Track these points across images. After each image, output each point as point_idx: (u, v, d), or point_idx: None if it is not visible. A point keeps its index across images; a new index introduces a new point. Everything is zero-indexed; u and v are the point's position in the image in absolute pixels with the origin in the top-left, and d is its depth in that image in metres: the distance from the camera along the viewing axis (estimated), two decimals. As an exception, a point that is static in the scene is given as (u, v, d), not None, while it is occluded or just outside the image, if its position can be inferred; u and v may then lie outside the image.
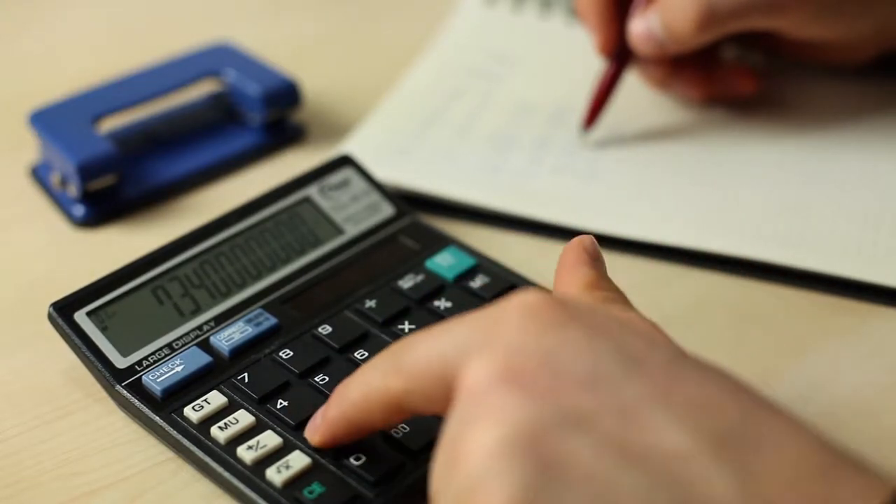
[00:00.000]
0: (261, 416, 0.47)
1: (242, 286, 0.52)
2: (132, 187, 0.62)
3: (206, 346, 0.50)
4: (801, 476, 0.33)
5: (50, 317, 0.50)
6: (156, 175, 0.63)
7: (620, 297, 0.43)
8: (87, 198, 0.60)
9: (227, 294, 0.52)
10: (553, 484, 0.33)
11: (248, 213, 0.55)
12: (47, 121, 0.62)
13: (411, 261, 0.55)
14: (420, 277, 0.54)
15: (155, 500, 0.46)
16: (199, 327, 0.51)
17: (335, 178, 0.58)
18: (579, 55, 0.69)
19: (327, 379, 0.48)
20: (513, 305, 0.38)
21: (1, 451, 0.48)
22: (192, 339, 0.50)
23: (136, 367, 0.49)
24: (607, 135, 0.65)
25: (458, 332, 0.38)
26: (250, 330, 0.50)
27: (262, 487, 0.44)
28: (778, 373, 0.51)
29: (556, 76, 0.71)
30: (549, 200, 0.60)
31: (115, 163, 0.60)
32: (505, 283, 0.53)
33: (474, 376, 0.37)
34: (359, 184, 0.58)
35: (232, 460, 0.45)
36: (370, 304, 0.52)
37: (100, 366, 0.48)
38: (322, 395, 0.48)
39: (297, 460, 0.45)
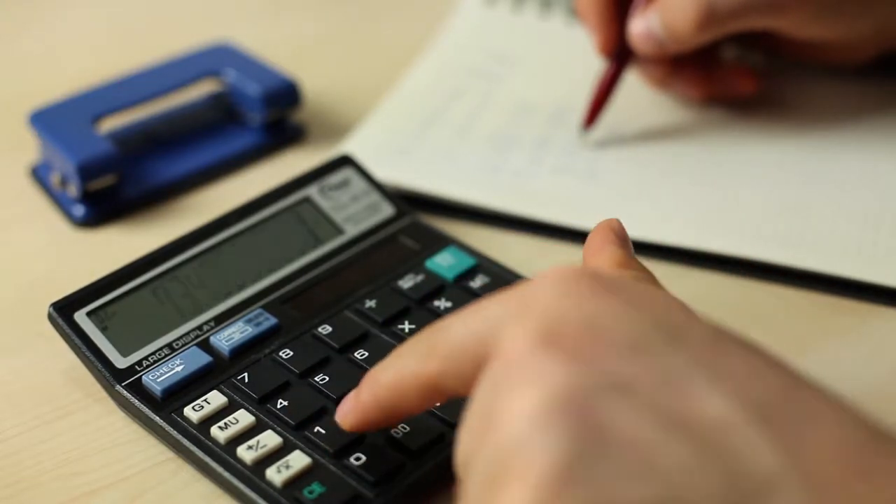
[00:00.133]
0: (261, 415, 0.47)
1: (242, 286, 0.52)
2: (132, 187, 0.62)
3: (206, 346, 0.50)
4: (846, 448, 0.33)
5: (50, 317, 0.50)
6: (156, 175, 0.63)
7: (650, 277, 0.43)
8: (87, 198, 0.60)
9: (227, 294, 0.52)
10: (595, 450, 0.33)
11: (248, 213, 0.55)
12: (47, 121, 0.62)
13: (411, 261, 0.55)
14: (420, 277, 0.54)
15: (155, 500, 0.46)
16: (199, 327, 0.51)
17: (335, 178, 0.58)
18: (579, 55, 0.69)
19: (327, 379, 0.48)
20: (548, 277, 0.37)
21: (1, 451, 0.48)
22: (192, 339, 0.50)
23: (136, 367, 0.49)
24: (607, 135, 0.65)
25: (491, 308, 0.38)
26: (250, 330, 0.50)
27: (262, 487, 0.44)
28: (778, 373, 0.51)
29: (556, 76, 0.71)
30: (549, 200, 0.60)
31: (115, 163, 0.60)
32: (505, 283, 0.53)
33: (511, 342, 0.36)
34: (359, 184, 0.58)
35: (232, 460, 0.45)
36: (370, 304, 0.52)
37: (100, 366, 0.48)
38: (322, 395, 0.48)
39: (297, 460, 0.45)
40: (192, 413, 0.47)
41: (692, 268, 0.57)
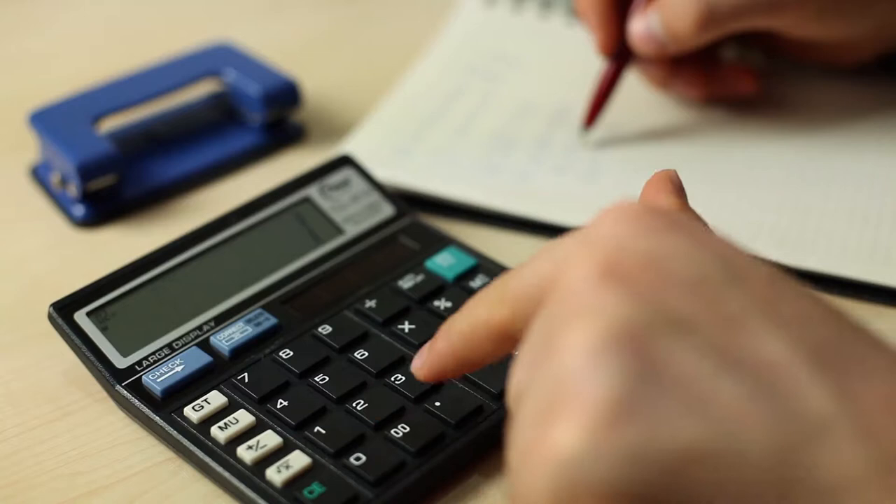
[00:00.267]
0: (261, 415, 0.47)
1: (242, 286, 0.52)
2: (132, 187, 0.62)
3: (206, 346, 0.50)
4: None
5: (50, 317, 0.50)
6: (156, 175, 0.63)
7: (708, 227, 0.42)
8: (87, 198, 0.60)
9: (227, 294, 0.52)
10: (650, 384, 0.33)
11: (248, 213, 0.55)
12: (47, 121, 0.62)
13: (411, 261, 0.55)
14: (420, 277, 0.54)
15: (155, 500, 0.46)
16: (199, 327, 0.51)
17: (335, 178, 0.58)
18: (579, 55, 0.69)
19: (327, 379, 0.48)
20: (611, 212, 0.37)
21: (1, 451, 0.48)
22: (192, 339, 0.50)
23: (136, 367, 0.49)
24: (607, 135, 0.65)
25: (557, 247, 0.37)
26: (250, 330, 0.50)
27: (262, 487, 0.44)
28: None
29: (556, 76, 0.71)
30: (549, 200, 0.60)
31: (115, 163, 0.60)
32: (505, 283, 0.53)
33: (572, 274, 0.35)
34: (359, 184, 0.58)
35: (232, 460, 0.45)
36: (370, 304, 0.52)
37: (100, 366, 0.48)
38: (322, 395, 0.48)
39: (297, 460, 0.45)
40: (191, 413, 0.47)
41: (692, 268, 0.57)
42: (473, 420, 0.47)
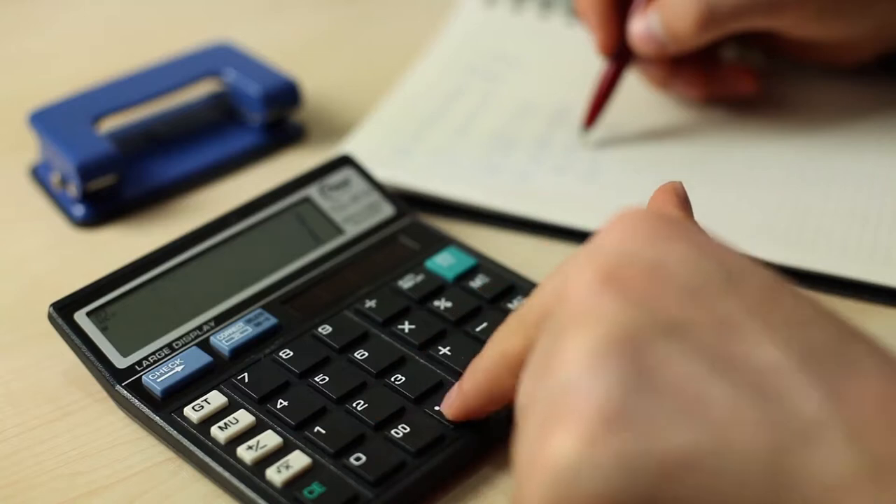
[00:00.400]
0: (261, 415, 0.47)
1: (242, 286, 0.52)
2: (132, 187, 0.62)
3: (206, 346, 0.50)
4: (891, 400, 0.33)
5: (50, 317, 0.50)
6: (156, 175, 0.63)
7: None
8: (87, 198, 0.60)
9: (227, 294, 0.52)
10: (645, 389, 0.33)
11: (248, 213, 0.55)
12: (47, 121, 0.62)
13: (411, 261, 0.55)
14: (420, 277, 0.54)
15: (155, 500, 0.46)
16: (199, 327, 0.51)
17: (335, 178, 0.58)
18: (579, 55, 0.69)
19: (327, 379, 0.48)
20: (616, 221, 0.38)
21: (1, 451, 0.48)
22: (192, 339, 0.50)
23: (136, 367, 0.49)
24: (607, 135, 0.65)
25: (565, 263, 0.38)
26: (250, 330, 0.50)
27: (262, 487, 0.44)
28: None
29: (556, 76, 0.70)
30: (549, 200, 0.60)
31: (115, 163, 0.60)
32: (505, 283, 0.53)
33: (576, 281, 0.36)
34: (359, 184, 0.58)
35: (232, 460, 0.45)
36: (370, 304, 0.52)
37: (100, 366, 0.48)
38: (322, 395, 0.48)
39: (297, 460, 0.45)
40: (191, 413, 0.47)
41: (692, 268, 0.57)
42: (473, 420, 0.47)
